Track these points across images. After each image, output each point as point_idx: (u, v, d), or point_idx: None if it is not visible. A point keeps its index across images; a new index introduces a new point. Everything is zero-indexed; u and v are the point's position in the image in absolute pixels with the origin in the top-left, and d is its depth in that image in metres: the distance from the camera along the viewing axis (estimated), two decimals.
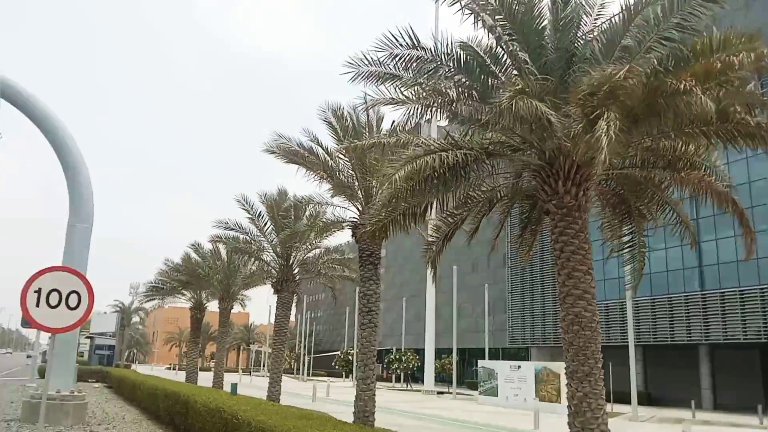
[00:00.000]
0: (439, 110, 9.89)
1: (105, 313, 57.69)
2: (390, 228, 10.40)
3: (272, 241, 22.22)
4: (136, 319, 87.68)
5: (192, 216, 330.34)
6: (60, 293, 11.59)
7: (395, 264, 72.33)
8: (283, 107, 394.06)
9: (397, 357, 52.64)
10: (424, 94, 9.68)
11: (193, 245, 29.34)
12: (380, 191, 11.99)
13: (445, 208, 10.73)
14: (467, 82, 9.71)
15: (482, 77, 9.66)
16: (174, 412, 12.94)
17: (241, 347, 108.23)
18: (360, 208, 15.74)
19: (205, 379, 32.15)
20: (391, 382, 59.34)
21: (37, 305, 11.41)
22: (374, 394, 14.44)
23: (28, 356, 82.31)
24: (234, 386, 19.27)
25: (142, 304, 54.23)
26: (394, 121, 14.18)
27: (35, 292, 11.43)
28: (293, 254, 22.06)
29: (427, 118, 10.16)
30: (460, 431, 20.00)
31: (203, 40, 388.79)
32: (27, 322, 14.68)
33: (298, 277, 22.57)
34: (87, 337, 46.72)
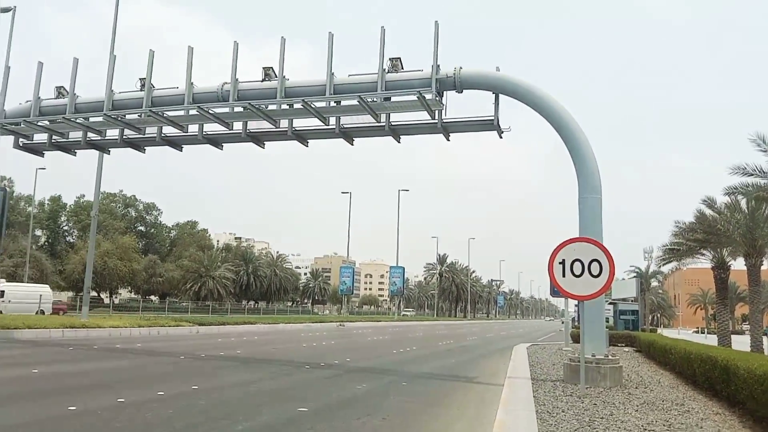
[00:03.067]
0: None
1: (623, 279, 59.06)
2: None
3: None
4: (655, 283, 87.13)
5: (693, 174, 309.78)
6: (582, 263, 12.32)
7: None
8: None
9: None
10: None
11: (705, 200, 27.26)
12: None
13: None
14: None
15: None
16: (712, 377, 12.21)
17: None
18: None
19: (739, 342, 29.52)
20: None
21: (563, 275, 12.40)
22: None
23: (562, 322, 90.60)
24: None
25: (659, 267, 53.63)
26: None
27: (560, 263, 12.45)
28: None
29: None
30: None
31: None
32: (555, 290, 16.19)
33: None
34: (610, 303, 48.66)
